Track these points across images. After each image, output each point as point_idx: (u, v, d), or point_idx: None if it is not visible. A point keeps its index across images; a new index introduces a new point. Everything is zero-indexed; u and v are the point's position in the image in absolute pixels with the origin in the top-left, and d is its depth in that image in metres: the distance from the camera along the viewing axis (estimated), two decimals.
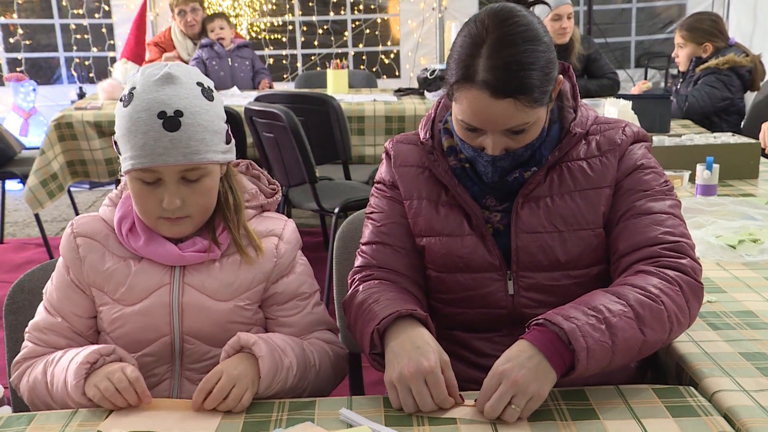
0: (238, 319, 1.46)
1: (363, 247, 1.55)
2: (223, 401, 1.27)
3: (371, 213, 1.57)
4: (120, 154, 1.39)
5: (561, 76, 1.42)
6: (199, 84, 1.38)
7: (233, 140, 1.45)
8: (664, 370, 1.50)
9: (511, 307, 1.47)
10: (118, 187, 1.51)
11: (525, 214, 1.44)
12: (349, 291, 1.51)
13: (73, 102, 5.50)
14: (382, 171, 1.58)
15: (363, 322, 1.38)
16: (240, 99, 4.69)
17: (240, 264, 1.44)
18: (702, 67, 4.07)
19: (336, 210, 3.46)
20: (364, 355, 1.61)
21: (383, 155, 1.59)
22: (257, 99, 4.09)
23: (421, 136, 1.53)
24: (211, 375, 1.29)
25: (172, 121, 1.32)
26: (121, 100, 1.37)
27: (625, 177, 1.44)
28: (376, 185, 1.58)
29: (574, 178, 1.44)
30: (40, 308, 1.50)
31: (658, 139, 2.92)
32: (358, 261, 1.55)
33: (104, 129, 4.31)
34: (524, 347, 1.23)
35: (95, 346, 1.37)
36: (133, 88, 1.36)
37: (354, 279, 1.52)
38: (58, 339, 1.46)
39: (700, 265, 1.38)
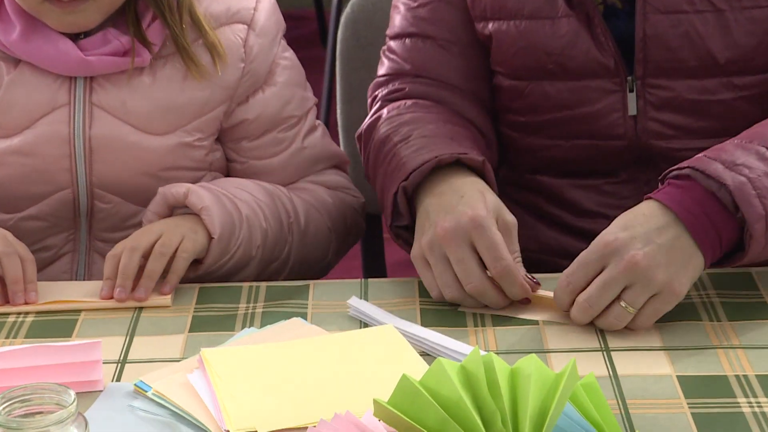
0: (183, 163, 1.45)
1: (391, 44, 1.56)
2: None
3: None
4: None
5: None
6: None
7: None
8: None
9: (633, 137, 1.45)
10: None
11: None
12: (369, 117, 1.51)
13: None
14: None
15: (384, 174, 1.38)
16: None
17: (185, 74, 1.44)
18: None
19: None
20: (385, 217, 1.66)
21: None
22: None
23: None
24: (120, 243, 1.31)
25: None
26: None
27: None
28: None
29: None
30: None
31: None
32: (383, 67, 1.56)
33: None
34: (653, 211, 1.19)
35: None
36: None
37: (376, 97, 1.53)
38: None
39: None
